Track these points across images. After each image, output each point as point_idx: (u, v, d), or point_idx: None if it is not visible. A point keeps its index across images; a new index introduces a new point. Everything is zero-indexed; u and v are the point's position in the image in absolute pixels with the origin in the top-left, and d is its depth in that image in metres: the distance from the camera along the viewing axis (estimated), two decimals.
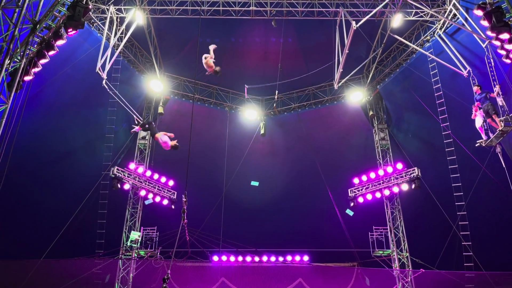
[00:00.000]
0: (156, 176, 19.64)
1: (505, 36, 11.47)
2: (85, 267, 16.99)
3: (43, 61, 11.83)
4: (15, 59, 10.73)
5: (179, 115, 20.32)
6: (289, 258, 20.77)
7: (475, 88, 13.71)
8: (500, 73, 13.28)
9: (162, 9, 16.90)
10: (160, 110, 20.03)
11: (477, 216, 16.94)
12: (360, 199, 19.41)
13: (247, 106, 21.75)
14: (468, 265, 16.36)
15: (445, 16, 16.01)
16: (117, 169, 18.30)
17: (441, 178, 17.63)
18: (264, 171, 22.01)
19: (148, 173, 19.46)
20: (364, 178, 19.62)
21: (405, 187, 18.33)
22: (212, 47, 12.10)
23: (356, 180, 19.77)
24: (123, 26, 16.43)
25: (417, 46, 17.85)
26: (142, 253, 17.99)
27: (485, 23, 11.65)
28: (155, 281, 17.40)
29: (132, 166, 19.02)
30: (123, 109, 17.55)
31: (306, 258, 20.80)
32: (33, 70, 11.70)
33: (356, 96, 20.38)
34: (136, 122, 12.55)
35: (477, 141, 13.54)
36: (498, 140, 12.91)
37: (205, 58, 11.95)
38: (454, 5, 15.48)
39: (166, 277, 8.53)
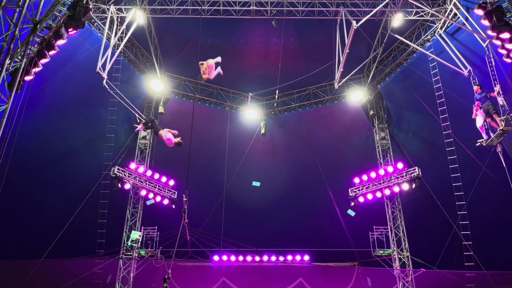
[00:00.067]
0: (156, 175, 19.65)
1: (505, 35, 11.45)
2: (86, 267, 17.01)
3: (43, 61, 11.84)
4: (16, 59, 10.73)
5: (179, 114, 20.31)
6: (289, 257, 20.75)
7: (475, 88, 13.69)
8: (500, 73, 13.25)
9: (163, 8, 16.90)
10: (161, 109, 20.04)
11: (478, 216, 16.94)
12: (361, 199, 19.41)
13: (247, 105, 21.75)
14: (469, 265, 16.36)
15: (445, 16, 16.00)
16: (118, 168, 18.29)
17: (441, 178, 17.64)
18: (264, 171, 22.01)
19: (149, 172, 19.47)
20: (364, 177, 19.62)
21: (405, 186, 18.32)
22: (214, 61, 11.54)
23: (356, 180, 19.77)
24: (124, 26, 16.43)
25: (418, 46, 17.83)
26: (142, 252, 17.99)
27: (485, 22, 11.63)
28: (155, 281, 17.42)
29: (132, 166, 19.02)
30: (123, 109, 17.60)
31: (306, 257, 20.78)
32: (34, 70, 11.72)
33: (357, 96, 20.37)
34: (139, 121, 12.54)
35: (478, 141, 13.52)
36: (498, 140, 12.89)
37: (202, 64, 11.47)
38: (454, 4, 15.45)
39: (166, 276, 8.53)
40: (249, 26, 19.14)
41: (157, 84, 19.73)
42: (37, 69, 11.85)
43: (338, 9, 16.02)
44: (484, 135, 13.34)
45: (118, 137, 19.55)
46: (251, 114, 21.53)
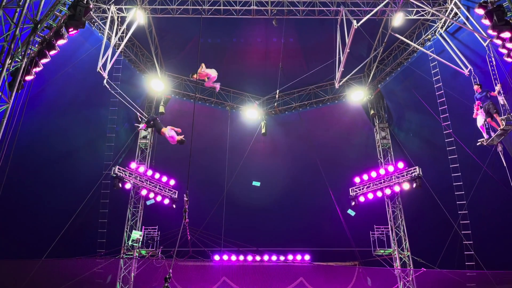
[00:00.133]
0: (157, 175, 19.66)
1: (506, 34, 11.43)
2: (87, 267, 17.02)
3: (44, 60, 11.83)
4: (16, 59, 10.72)
5: (180, 114, 20.29)
6: (290, 257, 20.75)
7: (475, 87, 13.66)
8: (501, 72, 13.25)
9: (163, 8, 16.90)
10: (161, 109, 20.05)
11: (478, 215, 16.94)
12: (361, 198, 19.40)
13: (248, 105, 21.74)
14: (470, 264, 16.35)
15: (446, 15, 15.99)
16: (118, 168, 18.31)
17: (442, 177, 17.64)
18: (265, 171, 22.02)
19: (149, 172, 19.48)
20: (365, 177, 19.61)
21: (406, 186, 18.32)
22: (215, 74, 12.07)
23: (357, 179, 19.76)
24: (124, 26, 16.43)
25: (418, 45, 17.83)
26: (143, 252, 18.00)
27: (486, 21, 11.63)
28: (156, 280, 17.45)
29: (133, 165, 19.03)
30: (124, 109, 17.61)
31: (307, 257, 20.78)
32: (34, 69, 11.71)
33: (357, 95, 20.36)
34: (140, 119, 12.56)
35: (478, 140, 13.49)
36: (499, 139, 12.86)
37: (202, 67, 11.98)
38: (455, 3, 15.44)
39: (167, 276, 8.51)
40: (249, 26, 19.14)
41: (157, 84, 19.72)
42: (37, 69, 11.84)
43: (339, 8, 16.03)
44: (484, 135, 13.31)
45: (118, 137, 19.57)
46: (252, 114, 21.52)
